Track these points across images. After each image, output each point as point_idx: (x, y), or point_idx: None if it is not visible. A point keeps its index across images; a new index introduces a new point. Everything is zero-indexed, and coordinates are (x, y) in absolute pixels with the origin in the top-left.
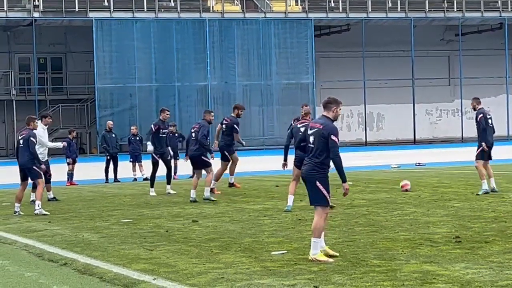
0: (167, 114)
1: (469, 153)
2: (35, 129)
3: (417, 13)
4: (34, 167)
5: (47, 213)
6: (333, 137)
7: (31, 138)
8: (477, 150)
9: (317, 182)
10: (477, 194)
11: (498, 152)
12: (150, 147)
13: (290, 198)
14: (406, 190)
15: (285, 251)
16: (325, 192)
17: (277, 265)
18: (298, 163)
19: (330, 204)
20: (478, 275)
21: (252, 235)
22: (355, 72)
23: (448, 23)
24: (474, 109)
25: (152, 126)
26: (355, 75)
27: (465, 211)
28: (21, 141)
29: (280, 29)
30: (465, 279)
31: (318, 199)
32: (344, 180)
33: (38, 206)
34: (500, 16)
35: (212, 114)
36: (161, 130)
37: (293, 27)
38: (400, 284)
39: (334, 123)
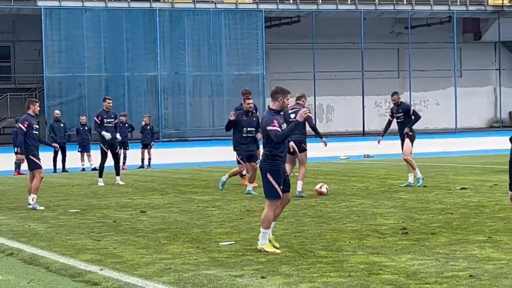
0: (109, 103)
1: (418, 145)
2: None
3: (367, 5)
4: (30, 156)
5: (41, 208)
6: (269, 128)
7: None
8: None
9: (268, 174)
10: (402, 186)
11: (446, 144)
12: (107, 135)
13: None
14: (321, 194)
15: (233, 242)
16: (275, 185)
17: (224, 255)
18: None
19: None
20: (423, 266)
21: (200, 226)
22: (305, 64)
23: (398, 16)
24: (397, 104)
25: (95, 118)
26: (305, 66)
27: (412, 202)
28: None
29: (231, 20)
30: (411, 270)
31: (267, 192)
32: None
33: (33, 200)
34: (449, 10)
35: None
36: (105, 120)
37: (244, 18)
38: (346, 275)
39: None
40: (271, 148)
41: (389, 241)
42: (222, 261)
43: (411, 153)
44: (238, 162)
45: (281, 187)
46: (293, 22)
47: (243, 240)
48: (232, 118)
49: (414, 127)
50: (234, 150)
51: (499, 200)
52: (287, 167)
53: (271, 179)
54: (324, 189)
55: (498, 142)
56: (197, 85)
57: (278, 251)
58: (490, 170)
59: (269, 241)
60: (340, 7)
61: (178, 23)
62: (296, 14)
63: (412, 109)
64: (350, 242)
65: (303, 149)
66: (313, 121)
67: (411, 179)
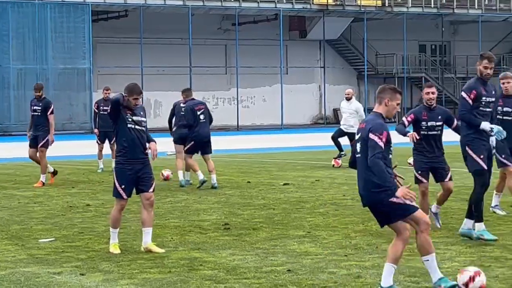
0: None
1: (244, 141)
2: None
3: (195, 1)
4: None
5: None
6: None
7: None
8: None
9: (113, 171)
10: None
11: (272, 140)
12: None
13: (180, 173)
14: (167, 179)
15: (53, 239)
16: (116, 184)
17: (44, 252)
18: (178, 140)
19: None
20: (243, 261)
21: (20, 222)
22: (133, 59)
23: (225, 13)
24: (184, 103)
25: None
26: (133, 61)
27: (236, 198)
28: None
29: (57, 13)
30: (231, 265)
31: (113, 191)
32: None
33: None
34: (276, 7)
35: None
36: None
37: (70, 12)
38: (167, 271)
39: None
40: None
41: (211, 237)
42: (41, 258)
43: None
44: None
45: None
46: (121, 16)
47: (64, 236)
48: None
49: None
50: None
51: (320, 195)
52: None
53: (114, 177)
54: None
55: (322, 139)
56: (22, 78)
57: (117, 251)
58: (312, 166)
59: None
60: (168, 2)
61: (2, 15)
62: (123, 8)
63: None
64: (172, 238)
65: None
66: None
67: (181, 176)
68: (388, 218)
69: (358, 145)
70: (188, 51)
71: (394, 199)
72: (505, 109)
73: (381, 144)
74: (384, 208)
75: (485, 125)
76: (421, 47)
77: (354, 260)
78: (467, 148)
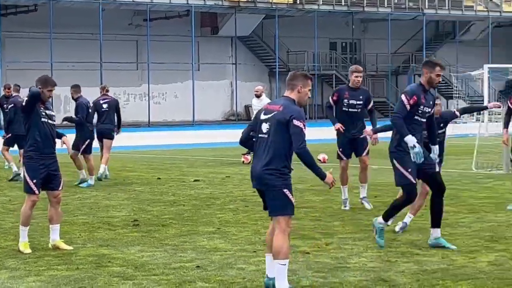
0: None
1: (155, 137)
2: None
3: None
4: None
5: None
6: None
7: None
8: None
9: (23, 166)
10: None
11: (184, 137)
12: None
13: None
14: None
15: None
16: (28, 179)
17: None
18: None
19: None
20: (152, 257)
21: None
22: (42, 54)
23: (137, 8)
24: (74, 99)
25: None
26: (43, 56)
27: (146, 194)
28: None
29: None
30: (140, 261)
31: (23, 186)
32: None
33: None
34: (188, 3)
35: None
36: None
37: None
38: (74, 268)
39: None
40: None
41: (120, 233)
42: None
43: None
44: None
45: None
46: (30, 11)
47: None
48: None
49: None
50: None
51: (230, 192)
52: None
53: (24, 172)
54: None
55: (233, 135)
56: None
57: (28, 250)
58: (223, 162)
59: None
60: None
61: None
62: (33, 2)
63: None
64: (80, 235)
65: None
66: None
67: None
68: (270, 206)
69: (266, 125)
70: (99, 46)
71: (286, 191)
72: (351, 101)
73: (305, 131)
74: (273, 194)
75: (411, 140)
76: (331, 44)
77: (263, 256)
78: (394, 161)
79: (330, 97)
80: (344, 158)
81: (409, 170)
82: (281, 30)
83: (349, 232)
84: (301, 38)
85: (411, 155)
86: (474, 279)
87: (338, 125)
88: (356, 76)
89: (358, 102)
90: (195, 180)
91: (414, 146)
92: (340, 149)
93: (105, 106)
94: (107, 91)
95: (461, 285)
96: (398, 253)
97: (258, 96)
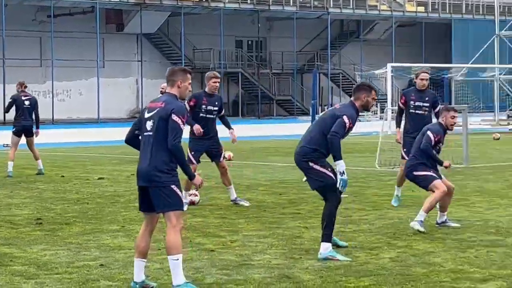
0: None
1: (60, 135)
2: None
3: None
4: None
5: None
6: None
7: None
8: None
9: None
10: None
11: (88, 134)
12: None
13: (10, 164)
14: None
15: None
16: None
17: None
18: (18, 132)
19: None
20: (55, 256)
21: None
22: None
23: (40, 4)
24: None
25: None
26: None
27: (49, 192)
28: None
29: None
30: (42, 260)
31: None
32: None
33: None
34: (92, 0)
35: None
36: None
37: None
38: None
39: None
40: None
41: (22, 232)
42: None
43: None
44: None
45: None
46: None
47: None
48: None
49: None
50: None
51: (135, 189)
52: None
53: None
54: None
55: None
56: None
57: None
58: (128, 160)
59: None
60: None
61: None
62: None
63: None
64: None
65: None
66: None
67: None
68: (159, 204)
69: (149, 123)
70: (1, 42)
71: (174, 187)
72: (208, 107)
73: (183, 127)
74: (161, 191)
75: (341, 166)
76: (237, 42)
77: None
78: (311, 164)
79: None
80: None
81: (329, 169)
82: (187, 27)
83: (254, 230)
84: (207, 36)
85: (338, 181)
86: (376, 275)
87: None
88: (214, 82)
89: (214, 108)
90: (99, 178)
91: (343, 173)
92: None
93: (27, 103)
94: (26, 87)
95: (364, 281)
96: (302, 250)
97: (163, 94)
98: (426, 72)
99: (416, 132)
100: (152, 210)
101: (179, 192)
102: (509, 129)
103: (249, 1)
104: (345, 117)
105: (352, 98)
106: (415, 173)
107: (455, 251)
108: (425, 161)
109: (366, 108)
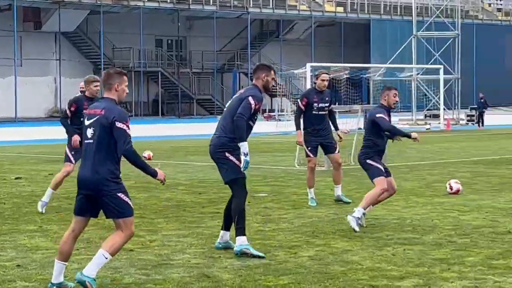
0: None
1: None
2: None
3: None
4: None
5: None
6: None
7: None
8: None
9: None
10: None
11: (6, 133)
12: None
13: None
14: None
15: None
16: None
17: None
18: None
19: None
20: None
21: None
22: None
23: None
24: None
25: None
26: None
27: None
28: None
29: None
30: None
31: None
32: None
33: None
34: None
35: None
36: None
37: None
38: None
39: None
40: None
41: None
42: None
43: None
44: None
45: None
46: None
47: None
48: None
49: None
50: None
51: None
52: None
53: None
54: None
55: (57, 132)
56: None
57: None
58: (46, 159)
59: None
60: None
61: None
62: None
63: None
64: None
65: None
66: None
67: None
68: (109, 213)
69: (90, 131)
70: None
71: (121, 195)
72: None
73: (129, 132)
74: (108, 200)
75: (245, 148)
76: (157, 41)
77: (86, 254)
78: (228, 154)
79: None
80: None
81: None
82: (107, 26)
83: (173, 229)
84: (127, 34)
85: (241, 160)
86: (295, 274)
87: None
88: (95, 86)
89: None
90: (16, 178)
91: (247, 154)
92: None
93: None
94: None
95: (283, 279)
96: (221, 250)
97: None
98: (327, 73)
99: (318, 127)
100: (88, 216)
101: (127, 200)
102: (426, 129)
103: (168, 0)
104: (250, 98)
105: (253, 80)
106: (368, 161)
107: (373, 249)
108: (378, 153)
109: (267, 88)
